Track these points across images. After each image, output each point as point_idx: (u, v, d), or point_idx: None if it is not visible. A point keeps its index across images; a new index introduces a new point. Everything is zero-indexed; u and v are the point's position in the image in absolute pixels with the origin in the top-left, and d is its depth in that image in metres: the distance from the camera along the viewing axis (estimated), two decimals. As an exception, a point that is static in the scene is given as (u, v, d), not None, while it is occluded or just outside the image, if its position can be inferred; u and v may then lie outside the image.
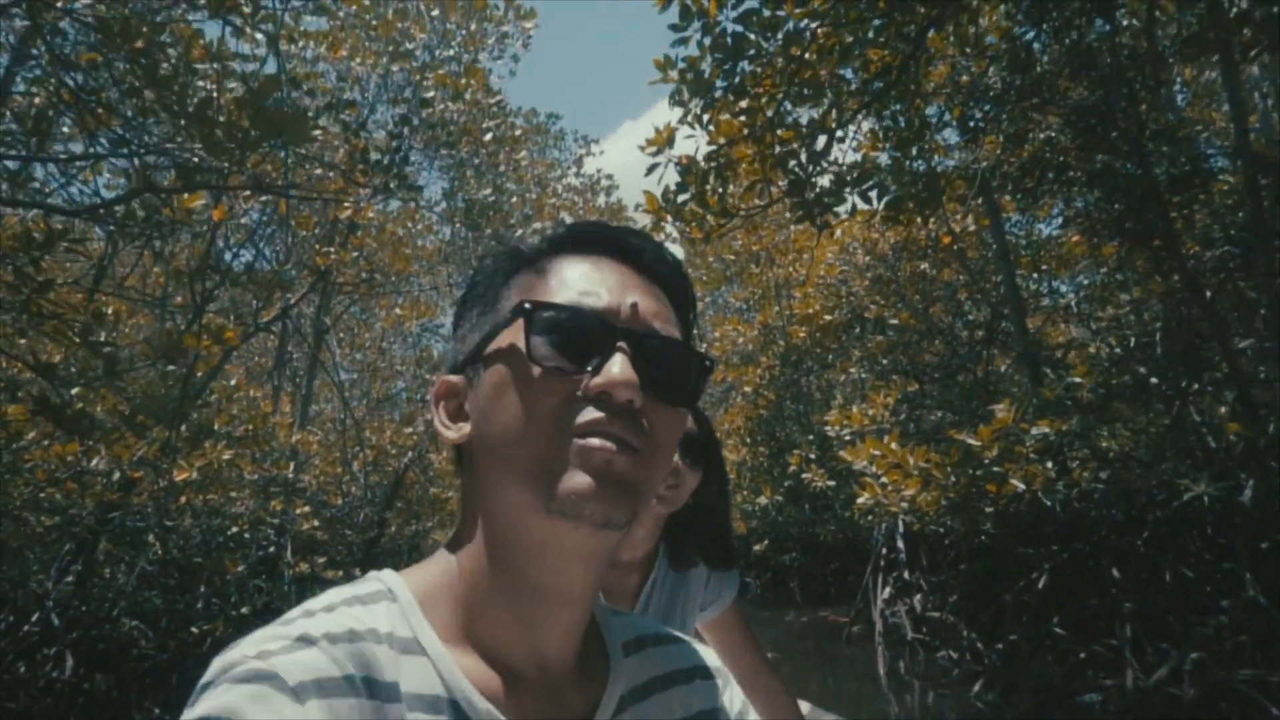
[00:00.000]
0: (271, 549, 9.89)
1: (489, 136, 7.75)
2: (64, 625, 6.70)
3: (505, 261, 0.72)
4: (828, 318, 11.12)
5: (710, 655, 0.82)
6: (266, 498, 8.19)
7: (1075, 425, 5.16)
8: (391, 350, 14.29)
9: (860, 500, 5.32)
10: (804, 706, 3.01)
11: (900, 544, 7.94)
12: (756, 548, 12.05)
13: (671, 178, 6.77)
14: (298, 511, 9.21)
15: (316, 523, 9.30)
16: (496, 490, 0.65)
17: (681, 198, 4.41)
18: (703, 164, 4.44)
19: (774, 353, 11.89)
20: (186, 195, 4.39)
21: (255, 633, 0.59)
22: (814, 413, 11.77)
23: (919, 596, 7.61)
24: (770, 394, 12.10)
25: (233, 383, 10.41)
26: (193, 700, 0.54)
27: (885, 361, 10.97)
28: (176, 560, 7.46)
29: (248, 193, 5.30)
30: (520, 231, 9.67)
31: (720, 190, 4.51)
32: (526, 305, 0.64)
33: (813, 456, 10.84)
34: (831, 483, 10.32)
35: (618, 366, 0.62)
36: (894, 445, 5.05)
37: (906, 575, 7.66)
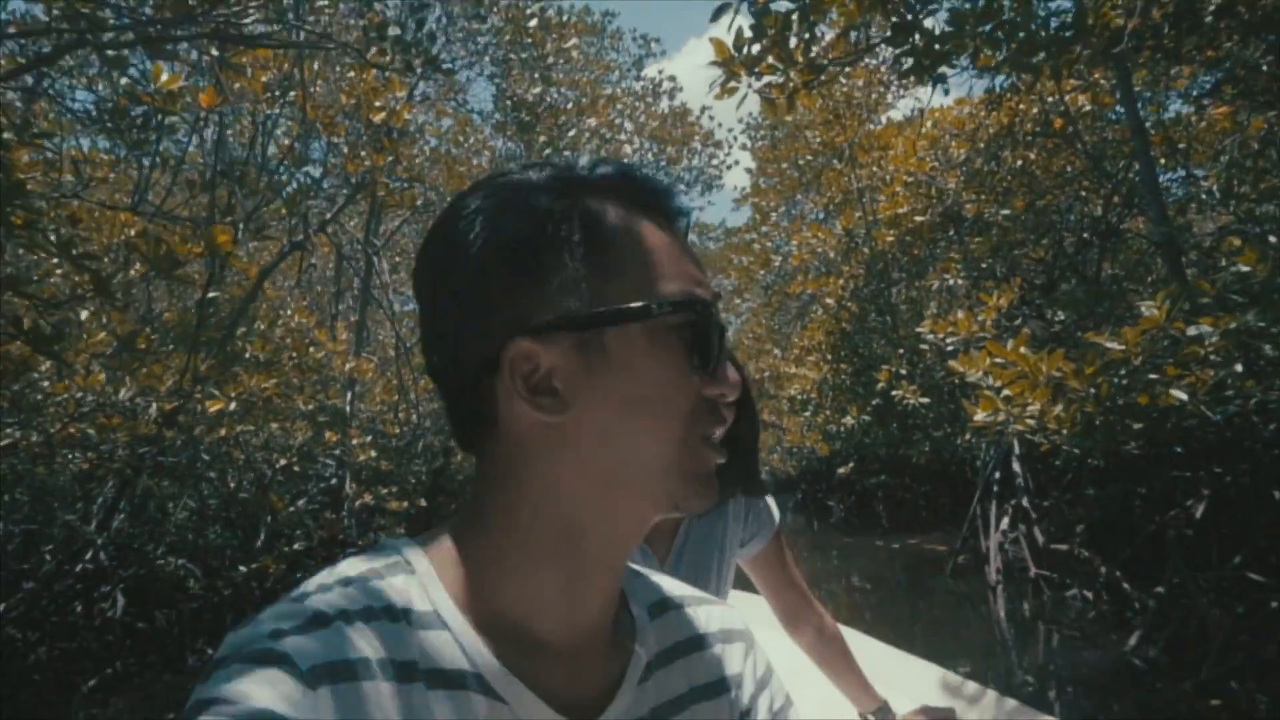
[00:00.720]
0: (334, 481, 9.58)
1: (533, 22, 6.88)
2: (113, 564, 6.41)
3: (586, 194, 0.64)
4: (919, 219, 10.02)
5: (735, 617, 0.81)
6: (320, 429, 7.74)
7: (1252, 320, 4.16)
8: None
9: (979, 417, 4.46)
10: (867, 642, 2.99)
11: (1016, 466, 7.03)
12: (841, 470, 11.26)
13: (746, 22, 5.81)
14: (354, 442, 8.78)
15: (374, 453, 8.86)
16: (600, 489, 0.62)
17: (756, 47, 3.50)
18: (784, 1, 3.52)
19: (858, 260, 10.86)
20: (164, 78, 3.70)
21: (271, 607, 0.57)
22: (902, 326, 10.77)
23: (1039, 526, 6.70)
24: (854, 306, 11.12)
25: (288, 311, 10.02)
26: (204, 676, 0.53)
27: (985, 265, 9.86)
28: (224, 495, 7.09)
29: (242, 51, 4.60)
30: (572, 132, 8.82)
31: (806, 36, 3.58)
32: (698, 304, 0.63)
33: (903, 372, 9.93)
34: (925, 399, 9.43)
35: (731, 370, 0.65)
36: (1023, 350, 4.15)
37: (1025, 502, 6.75)
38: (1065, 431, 4.47)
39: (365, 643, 0.56)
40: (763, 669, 0.80)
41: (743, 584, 1.87)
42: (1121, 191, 7.78)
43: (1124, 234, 7.89)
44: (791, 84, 3.64)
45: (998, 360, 4.35)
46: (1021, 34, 4.30)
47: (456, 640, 0.60)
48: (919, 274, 10.60)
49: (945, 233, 10.08)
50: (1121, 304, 5.82)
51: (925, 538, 11.16)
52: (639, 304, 0.61)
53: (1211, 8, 5.81)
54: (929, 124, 10.58)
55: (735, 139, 14.89)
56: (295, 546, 7.09)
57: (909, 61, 3.92)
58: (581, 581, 0.64)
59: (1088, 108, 8.27)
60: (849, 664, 1.81)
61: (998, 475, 7.67)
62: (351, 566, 0.62)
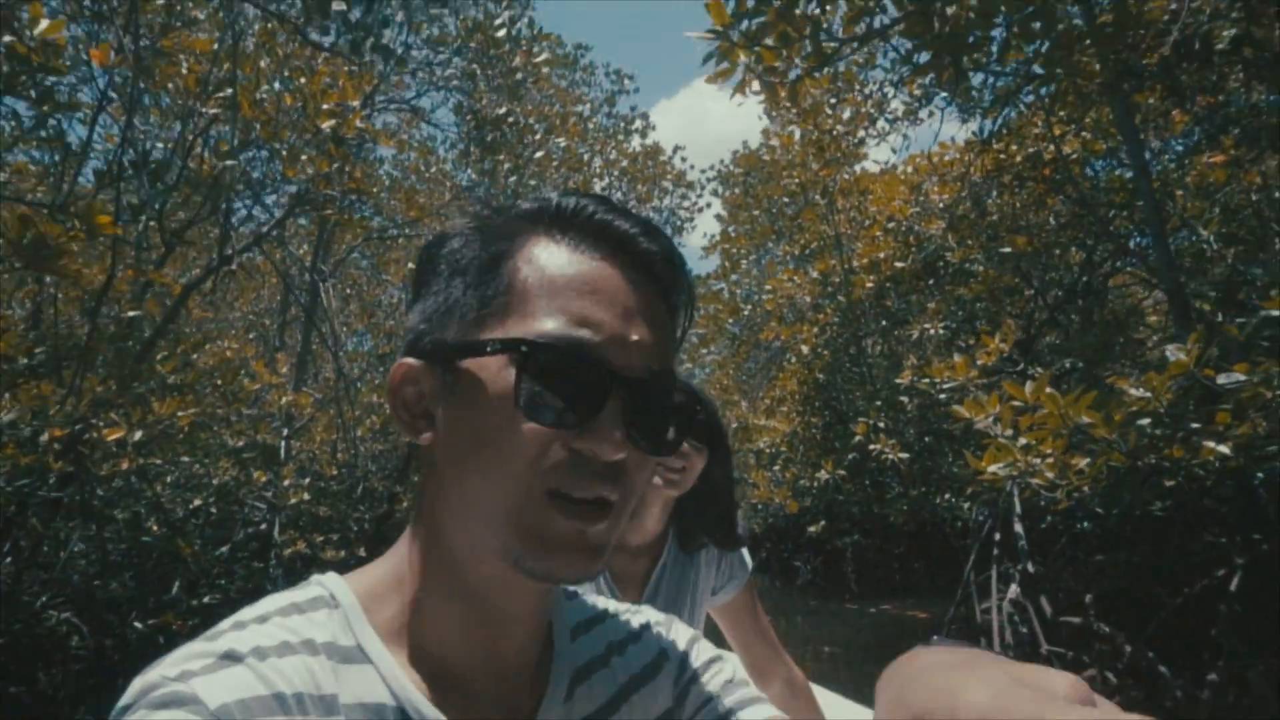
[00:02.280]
0: (263, 526, 8.74)
1: (501, 32, 6.42)
2: (-14, 616, 5.54)
3: (497, 228, 0.64)
4: (899, 264, 9.64)
5: (658, 615, 0.81)
6: (245, 466, 6.98)
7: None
8: (401, 307, 13.12)
9: (993, 469, 3.90)
10: (836, 699, 2.92)
11: (1018, 527, 6.49)
12: (811, 529, 10.67)
13: None
14: (286, 483, 8.00)
15: (307, 496, 8.09)
16: (459, 520, 0.62)
17: (758, 20, 2.99)
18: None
19: (833, 308, 10.44)
20: (44, 24, 3.10)
21: (180, 648, 0.55)
22: (879, 377, 10.32)
23: (1045, 595, 6.12)
24: (828, 355, 10.66)
25: (221, 340, 9.27)
26: None
27: (964, 315, 9.49)
28: (127, 539, 6.28)
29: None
30: (539, 154, 8.34)
31: (818, 7, 3.09)
32: (523, 348, 0.58)
33: (881, 425, 9.43)
34: (904, 455, 8.92)
35: (611, 425, 0.58)
36: (1048, 391, 3.62)
37: (1029, 567, 6.18)
38: (1088, 487, 3.95)
39: (280, 678, 0.55)
40: (709, 653, 0.79)
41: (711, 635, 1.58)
42: (1116, 239, 7.45)
43: (1112, 285, 7.55)
44: (794, 65, 3.14)
45: (1015, 403, 3.81)
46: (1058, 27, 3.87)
47: (380, 674, 0.59)
48: (898, 323, 10.20)
49: (925, 280, 9.71)
50: (1133, 349, 5.37)
51: (900, 604, 10.56)
52: (491, 338, 0.59)
53: (1219, 46, 5.50)
54: (910, 169, 10.30)
55: (707, 182, 14.56)
56: (206, 599, 6.27)
57: (922, 58, 3.45)
58: (483, 626, 0.64)
59: (1075, 155, 7.99)
60: (818, 717, 1.81)
61: (995, 535, 7.11)
62: (271, 603, 0.61)
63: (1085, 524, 5.95)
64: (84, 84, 5.72)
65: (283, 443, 9.31)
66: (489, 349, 0.59)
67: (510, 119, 7.35)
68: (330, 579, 0.65)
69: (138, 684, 0.53)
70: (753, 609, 1.80)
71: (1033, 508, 6.02)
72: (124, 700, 0.52)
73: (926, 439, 9.97)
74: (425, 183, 12.27)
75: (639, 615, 0.80)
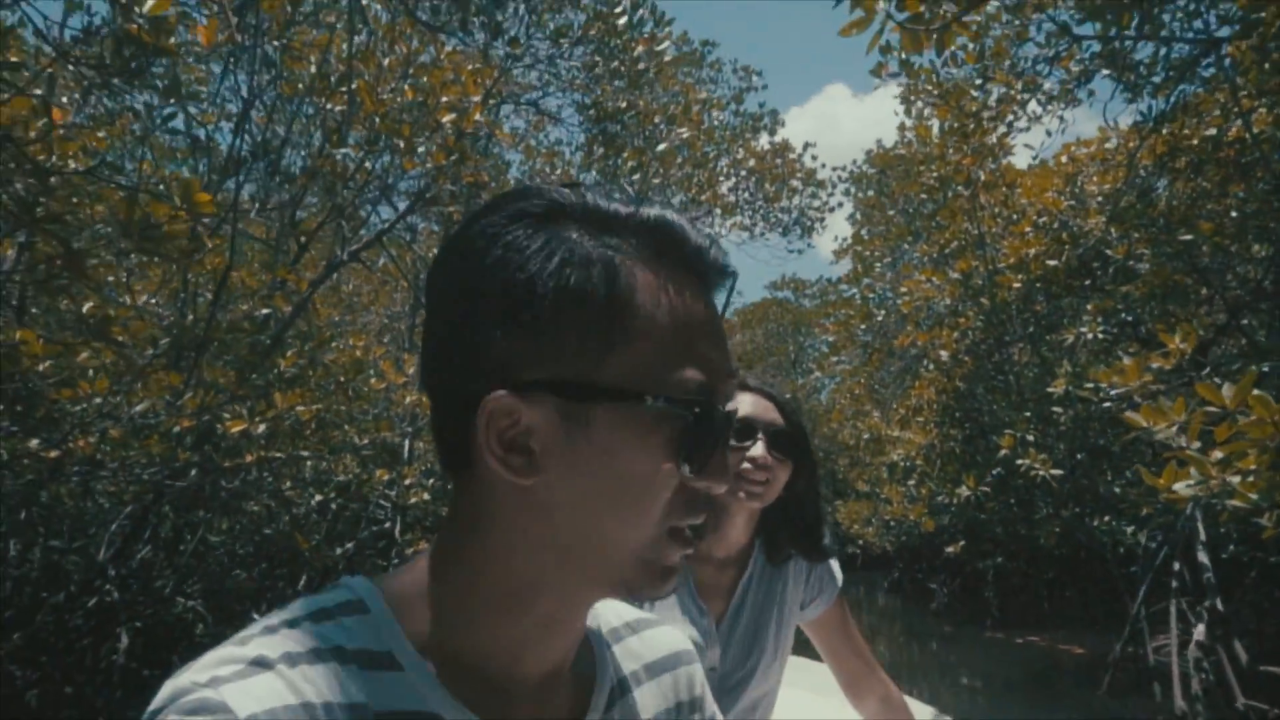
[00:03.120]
0: (386, 524, 8.86)
1: (623, 20, 6.22)
2: (123, 603, 5.75)
3: (604, 255, 0.60)
4: (1051, 263, 8.83)
5: (681, 638, 0.82)
6: (366, 464, 7.04)
7: None
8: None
9: (1179, 487, 3.32)
10: (925, 711, 2.88)
11: (1203, 556, 5.68)
12: (949, 549, 9.92)
13: None
14: (407, 482, 8.04)
15: (428, 496, 8.11)
16: (560, 560, 0.61)
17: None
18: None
19: (976, 311, 9.68)
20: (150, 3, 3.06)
21: (210, 653, 0.56)
22: (1028, 386, 9.50)
23: (1238, 639, 5.30)
24: (970, 362, 9.90)
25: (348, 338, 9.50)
26: None
27: (1126, 315, 8.58)
28: (253, 532, 6.40)
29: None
30: (662, 146, 8.08)
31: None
32: (695, 409, 0.59)
33: (1030, 438, 8.64)
34: (1056, 471, 8.12)
35: (722, 462, 0.61)
36: (1254, 392, 3.03)
37: (1219, 604, 5.39)
38: (1300, 509, 3.30)
39: (310, 686, 0.54)
40: (700, 689, 0.81)
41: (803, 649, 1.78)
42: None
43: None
44: (943, 13, 2.73)
45: (1211, 408, 3.22)
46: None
47: (412, 682, 0.59)
48: (1048, 328, 9.35)
49: (1081, 281, 8.85)
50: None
51: (1049, 635, 9.66)
52: (636, 391, 0.58)
53: None
54: (1064, 158, 9.46)
55: (838, 182, 13.95)
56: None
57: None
58: (535, 636, 0.64)
59: (1265, 134, 7.04)
60: None
61: (1174, 567, 6.26)
62: (301, 608, 0.61)
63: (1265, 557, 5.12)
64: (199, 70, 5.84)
65: (406, 441, 9.45)
66: (652, 401, 0.58)
67: (631, 110, 7.14)
68: (359, 583, 0.64)
69: (168, 688, 0.53)
70: (844, 623, 1.78)
71: (1218, 535, 5.22)
72: (155, 704, 0.52)
73: (1079, 455, 9.10)
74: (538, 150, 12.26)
75: (670, 637, 0.81)
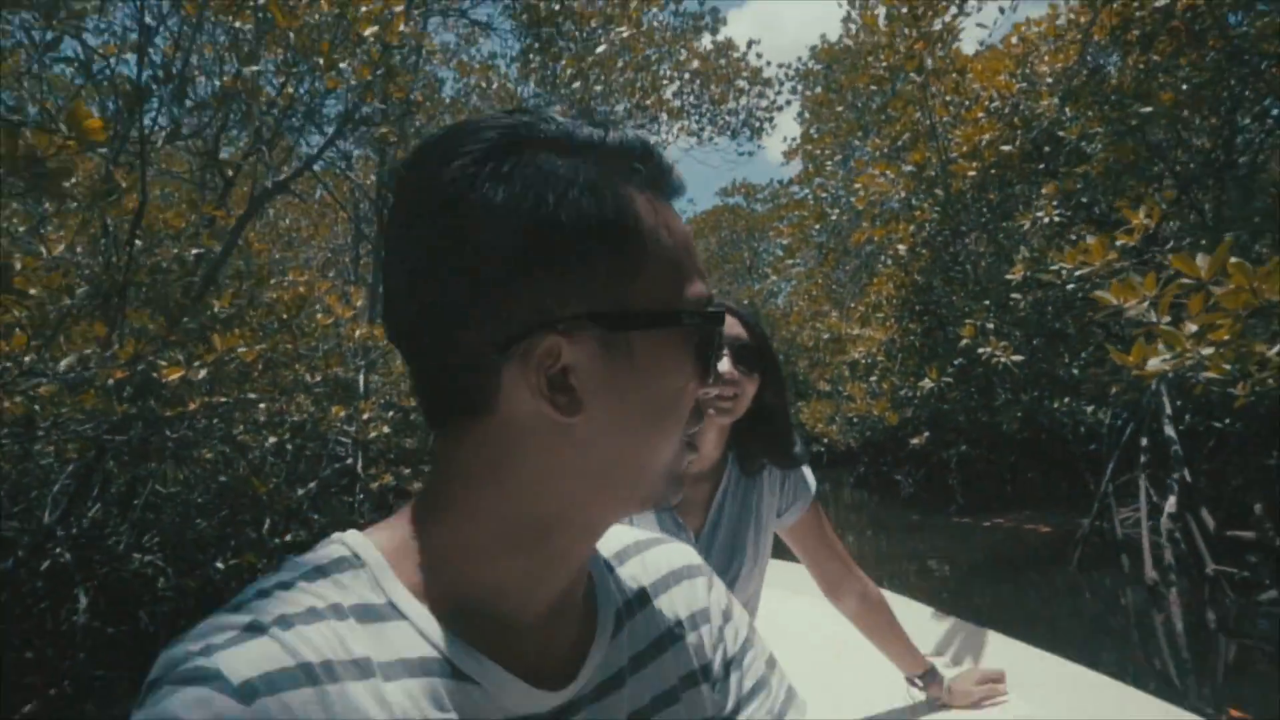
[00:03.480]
0: (348, 460, 8.69)
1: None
2: (77, 563, 5.55)
3: (609, 182, 0.59)
4: (1005, 148, 8.68)
5: (688, 553, 0.83)
6: (320, 402, 6.82)
7: None
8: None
9: (1154, 362, 3.26)
10: (913, 605, 2.95)
11: (1169, 430, 5.72)
12: (914, 441, 10.04)
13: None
14: (365, 416, 7.83)
15: (388, 429, 7.92)
16: (593, 487, 0.62)
17: None
18: None
19: (931, 203, 9.55)
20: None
21: (205, 621, 0.55)
22: (985, 274, 9.48)
23: (1201, 506, 5.38)
24: (927, 254, 9.82)
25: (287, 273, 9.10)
26: (139, 701, 0.51)
27: (1085, 199, 8.53)
28: (207, 481, 6.19)
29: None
30: (601, 48, 7.70)
31: None
32: (716, 312, 0.63)
33: (990, 326, 8.65)
34: (1017, 358, 8.16)
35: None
36: (1231, 260, 2.93)
37: (1187, 475, 5.43)
38: (1273, 380, 3.27)
39: (307, 646, 0.54)
40: (725, 600, 0.81)
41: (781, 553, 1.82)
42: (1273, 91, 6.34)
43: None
44: None
45: (1186, 280, 3.13)
46: None
47: (415, 628, 0.59)
48: (1004, 215, 9.27)
49: (1035, 165, 8.74)
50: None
51: (1014, 516, 9.90)
52: (671, 309, 0.60)
53: None
54: (1015, 38, 9.21)
55: (785, 79, 13.49)
56: (290, 537, 6.17)
57: None
58: (548, 569, 0.64)
59: None
60: (894, 630, 1.82)
61: (1144, 441, 6.33)
62: (294, 568, 0.61)
63: (1235, 424, 5.16)
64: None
65: (360, 376, 9.20)
66: (684, 319, 0.60)
67: (565, 13, 6.71)
68: (351, 537, 0.63)
69: (163, 659, 0.53)
70: (820, 527, 1.82)
71: (1178, 408, 5.25)
72: (151, 675, 0.52)
73: (1036, 340, 9.16)
74: (488, 100, 11.74)
75: (671, 554, 0.81)
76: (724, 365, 1.56)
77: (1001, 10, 7.65)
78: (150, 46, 3.94)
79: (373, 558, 0.61)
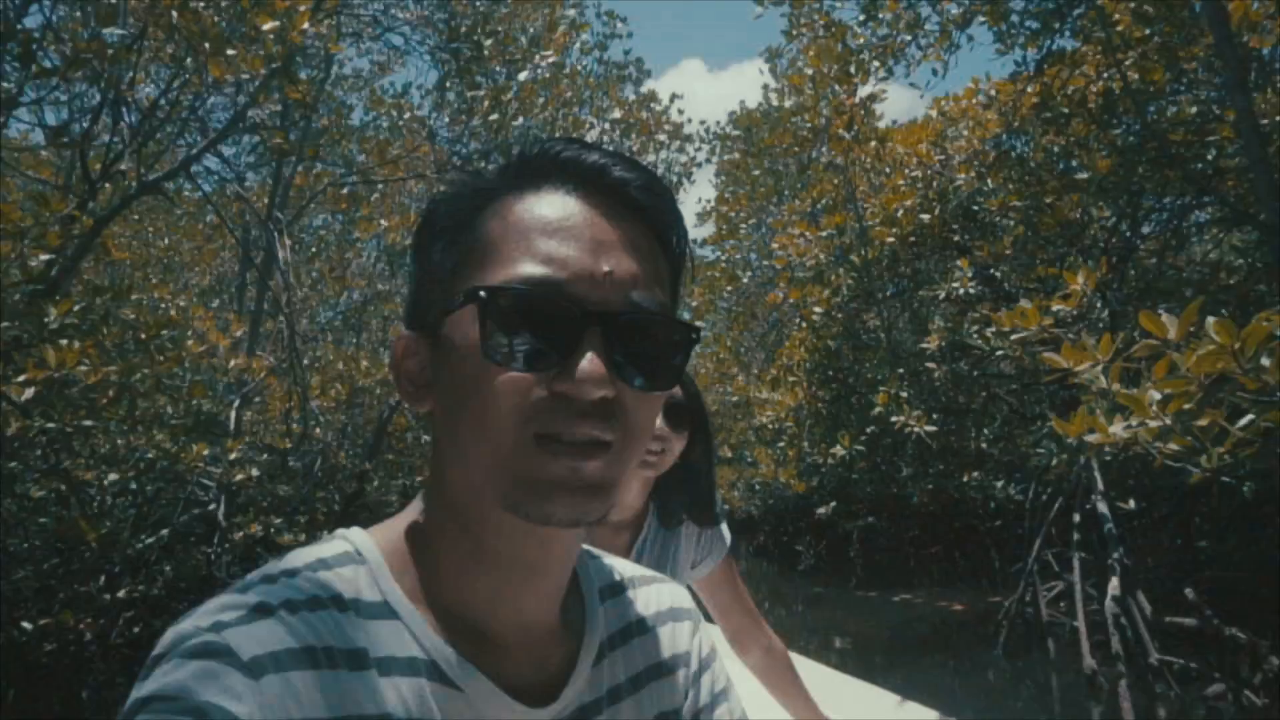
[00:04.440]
0: (211, 506, 7.74)
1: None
2: None
3: (472, 188, 0.65)
4: (923, 216, 8.69)
5: (683, 595, 0.83)
6: (178, 437, 6.00)
7: None
8: (368, 264, 12.03)
9: (1115, 430, 2.97)
10: (815, 666, 3.14)
11: (1103, 506, 5.51)
12: (821, 511, 9.77)
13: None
14: (232, 457, 6.99)
15: (256, 472, 7.10)
16: (461, 478, 0.63)
17: None
18: None
19: (848, 269, 9.46)
20: None
21: (212, 600, 0.57)
22: (899, 342, 9.41)
23: (1142, 590, 5.13)
24: (841, 319, 9.70)
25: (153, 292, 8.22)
26: (143, 674, 0.52)
27: (997, 272, 8.57)
28: (26, 522, 5.28)
29: None
30: (523, 75, 7.34)
31: None
32: (481, 293, 0.59)
33: (904, 394, 8.50)
34: (930, 428, 8.00)
35: (587, 361, 0.57)
36: (1211, 320, 2.67)
37: (1123, 556, 5.20)
38: (1242, 455, 3.03)
39: (310, 632, 0.56)
40: (707, 649, 0.81)
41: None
42: (1190, 173, 6.44)
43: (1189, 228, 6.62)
44: None
45: (1153, 341, 2.86)
46: None
47: (408, 629, 0.60)
48: (920, 283, 9.25)
49: (951, 235, 8.77)
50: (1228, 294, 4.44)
51: (921, 592, 9.66)
52: (460, 296, 0.61)
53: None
54: (934, 113, 9.34)
55: (704, 139, 13.38)
56: (123, 593, 5.29)
57: None
58: (502, 579, 0.64)
59: (1136, 85, 7.01)
60: (797, 686, 1.86)
61: (1077, 519, 6.11)
62: (298, 557, 0.62)
63: (1161, 504, 5.02)
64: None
65: (233, 413, 8.33)
66: (455, 304, 0.60)
67: (488, 27, 6.31)
68: (355, 534, 0.65)
69: (170, 635, 0.53)
70: (732, 581, 1.85)
71: (1117, 483, 5.07)
72: (157, 650, 0.53)
73: (947, 412, 9.09)
74: (398, 131, 11.19)
75: (663, 594, 0.81)
76: (659, 424, 1.55)
77: (935, 72, 7.66)
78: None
79: (373, 556, 0.63)
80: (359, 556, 0.62)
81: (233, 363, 7.85)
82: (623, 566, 0.80)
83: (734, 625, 1.85)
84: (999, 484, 7.85)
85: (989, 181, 7.70)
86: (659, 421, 1.55)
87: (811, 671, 2.76)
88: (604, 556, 0.80)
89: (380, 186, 12.11)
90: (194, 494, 7.91)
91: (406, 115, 11.31)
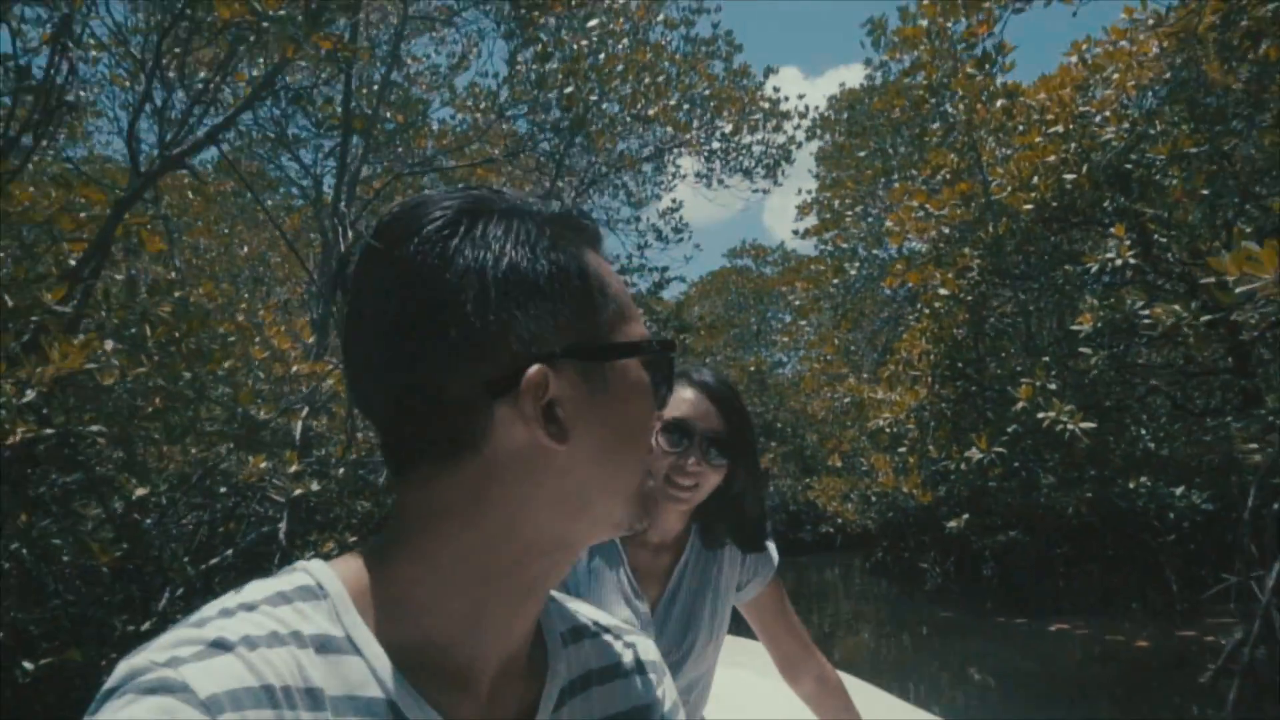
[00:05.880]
0: (265, 527, 7.15)
1: None
2: None
3: (566, 237, 0.68)
4: (1068, 176, 7.43)
5: (648, 647, 0.84)
6: (213, 443, 5.41)
7: None
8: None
9: None
10: (872, 691, 3.21)
11: None
12: (953, 524, 8.54)
13: None
14: (292, 469, 6.36)
15: (316, 486, 6.47)
16: (566, 513, 0.66)
17: None
18: None
19: (979, 242, 8.23)
20: None
21: (166, 634, 0.56)
22: (1040, 327, 8.13)
23: None
24: (970, 301, 8.45)
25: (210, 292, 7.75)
26: (93, 708, 0.53)
27: (1174, 232, 7.22)
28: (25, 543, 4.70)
29: None
30: (593, 23, 6.54)
31: None
32: (656, 347, 0.69)
33: (1052, 387, 7.24)
34: (1089, 424, 6.74)
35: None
36: None
37: None
38: None
39: (269, 670, 0.55)
40: (669, 704, 0.82)
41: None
42: None
43: None
44: None
45: None
46: None
47: (369, 666, 0.60)
48: (1063, 259, 7.96)
49: (1103, 195, 7.47)
50: None
51: (1076, 622, 8.27)
52: (637, 340, 0.68)
53: None
54: (1074, 58, 8.05)
55: (800, 114, 12.15)
56: (145, 627, 4.66)
57: None
58: (512, 608, 0.67)
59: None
60: (851, 715, 1.80)
61: None
62: (257, 590, 0.62)
63: None
64: None
65: (299, 423, 7.77)
66: (644, 349, 0.68)
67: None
68: (316, 567, 0.65)
69: (123, 668, 0.53)
70: (780, 605, 1.82)
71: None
72: (109, 683, 0.52)
73: (1108, 404, 7.75)
74: (477, 128, 10.59)
75: (627, 645, 0.82)
76: (689, 457, 1.59)
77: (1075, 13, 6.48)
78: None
79: (335, 589, 0.62)
80: (320, 590, 0.62)
81: (295, 368, 7.30)
82: (586, 612, 0.82)
83: (784, 651, 1.81)
84: (1177, 491, 6.50)
85: (1155, 124, 6.40)
86: (694, 457, 1.59)
87: (868, 698, 2.52)
88: (566, 600, 0.81)
89: (459, 186, 11.58)
90: (254, 511, 7.38)
91: (482, 106, 10.74)
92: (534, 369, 0.61)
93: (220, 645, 0.54)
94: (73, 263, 4.74)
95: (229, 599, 0.59)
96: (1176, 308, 6.14)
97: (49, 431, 4.14)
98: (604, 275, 0.67)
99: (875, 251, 14.20)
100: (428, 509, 0.64)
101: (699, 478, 1.58)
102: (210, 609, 0.58)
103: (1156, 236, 7.23)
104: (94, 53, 7.89)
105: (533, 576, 0.65)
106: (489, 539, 0.63)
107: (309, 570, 0.63)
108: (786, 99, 11.82)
